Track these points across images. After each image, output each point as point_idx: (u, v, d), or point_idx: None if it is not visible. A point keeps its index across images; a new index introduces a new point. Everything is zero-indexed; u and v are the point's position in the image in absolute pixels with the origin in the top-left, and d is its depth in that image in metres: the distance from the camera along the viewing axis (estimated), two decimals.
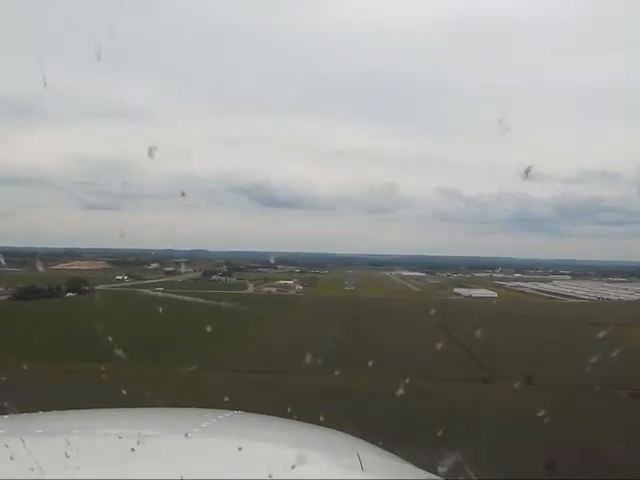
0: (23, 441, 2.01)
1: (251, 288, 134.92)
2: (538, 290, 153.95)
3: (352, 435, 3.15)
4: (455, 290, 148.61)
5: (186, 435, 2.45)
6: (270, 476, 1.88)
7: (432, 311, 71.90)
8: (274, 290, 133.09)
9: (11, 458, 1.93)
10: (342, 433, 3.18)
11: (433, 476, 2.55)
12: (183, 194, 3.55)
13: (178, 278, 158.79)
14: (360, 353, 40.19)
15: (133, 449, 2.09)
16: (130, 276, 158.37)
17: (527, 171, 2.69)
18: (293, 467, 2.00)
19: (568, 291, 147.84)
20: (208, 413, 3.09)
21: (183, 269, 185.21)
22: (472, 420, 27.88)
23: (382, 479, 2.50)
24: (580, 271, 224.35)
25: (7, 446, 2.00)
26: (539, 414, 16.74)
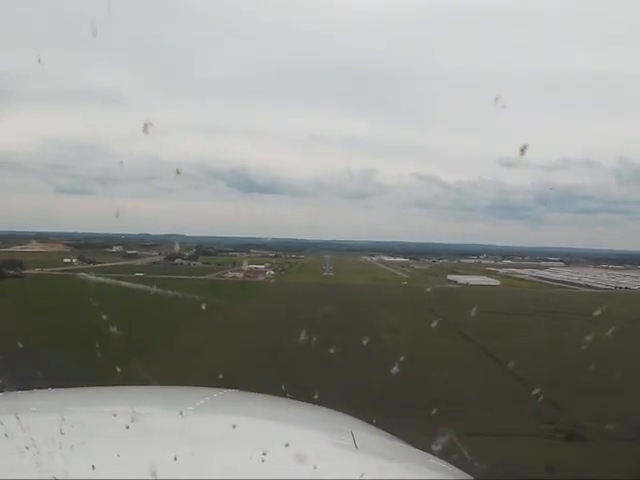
0: (18, 418, 1.98)
1: (215, 273, 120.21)
2: (540, 278, 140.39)
3: (346, 413, 3.12)
4: (449, 277, 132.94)
5: (181, 413, 2.41)
6: (264, 453, 1.88)
7: (433, 304, 55.72)
8: (240, 275, 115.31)
9: (6, 435, 1.91)
10: (336, 411, 3.19)
11: (426, 454, 2.57)
12: (178, 172, 2.98)
13: (137, 262, 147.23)
14: (345, 385, 23.96)
15: (128, 427, 2.08)
16: (81, 259, 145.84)
17: (522, 149, 2.57)
18: (287, 445, 2.00)
19: (574, 279, 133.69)
20: (203, 391, 3.11)
21: (147, 252, 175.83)
22: None
23: (375, 457, 2.46)
24: (568, 258, 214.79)
25: (2, 423, 1.97)
26: None
